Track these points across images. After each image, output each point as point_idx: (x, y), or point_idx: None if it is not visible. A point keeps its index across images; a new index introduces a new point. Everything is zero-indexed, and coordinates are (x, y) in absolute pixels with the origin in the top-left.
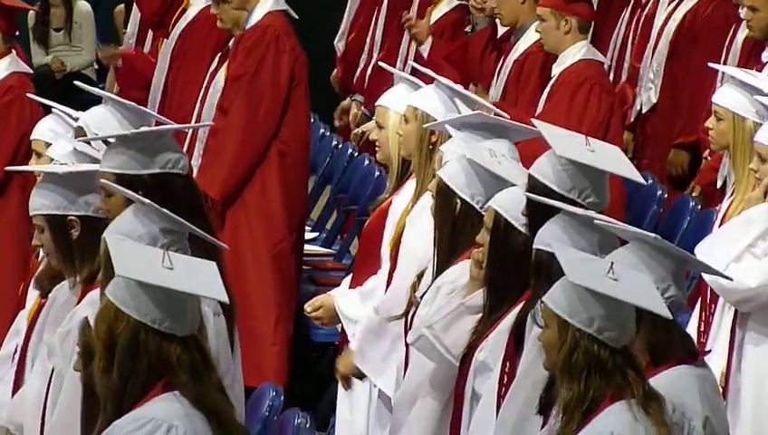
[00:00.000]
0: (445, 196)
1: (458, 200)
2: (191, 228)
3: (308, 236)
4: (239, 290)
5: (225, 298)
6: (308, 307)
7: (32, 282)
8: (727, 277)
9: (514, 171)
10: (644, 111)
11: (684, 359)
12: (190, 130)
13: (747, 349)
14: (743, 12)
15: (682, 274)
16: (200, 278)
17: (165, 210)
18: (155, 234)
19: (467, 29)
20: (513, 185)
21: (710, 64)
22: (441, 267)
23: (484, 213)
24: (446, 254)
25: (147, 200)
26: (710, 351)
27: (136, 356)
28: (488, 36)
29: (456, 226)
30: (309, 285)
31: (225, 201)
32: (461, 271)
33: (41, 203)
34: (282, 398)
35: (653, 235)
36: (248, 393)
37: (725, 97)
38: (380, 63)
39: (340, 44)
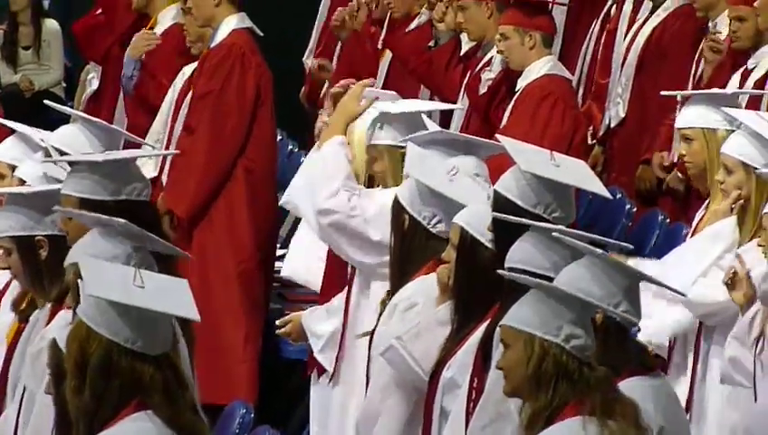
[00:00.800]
0: (396, 213)
1: (407, 217)
2: (162, 243)
3: (277, 253)
4: (207, 308)
5: (196, 316)
6: (278, 323)
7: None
8: (681, 293)
9: (465, 190)
10: (612, 126)
11: (637, 371)
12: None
13: (712, 362)
14: (723, 25)
15: (635, 289)
16: (171, 296)
17: (136, 227)
18: (129, 253)
19: (430, 43)
20: (462, 205)
21: (662, 93)
22: (396, 285)
23: (433, 230)
24: (399, 271)
25: (122, 220)
26: (666, 361)
27: (108, 376)
28: (452, 49)
29: (404, 242)
30: (279, 301)
31: (191, 219)
32: (415, 288)
33: (7, 225)
34: (252, 415)
35: (600, 251)
36: (218, 411)
37: (689, 117)
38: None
39: (308, 61)
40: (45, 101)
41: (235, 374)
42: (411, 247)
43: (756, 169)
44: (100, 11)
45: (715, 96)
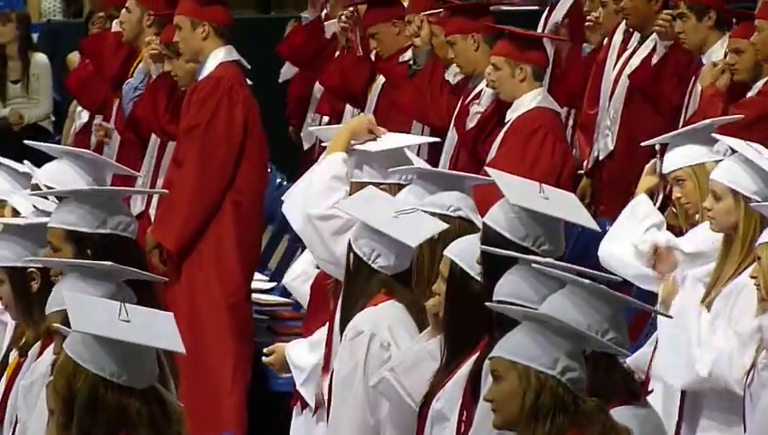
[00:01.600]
0: (347, 250)
1: (351, 254)
2: (140, 273)
3: (266, 285)
4: (196, 340)
5: (181, 349)
6: (265, 351)
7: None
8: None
9: (410, 227)
10: (601, 158)
11: (625, 399)
12: (148, 182)
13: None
14: (717, 58)
15: (621, 316)
16: (157, 329)
17: (119, 266)
18: (113, 292)
19: (409, 63)
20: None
21: (643, 144)
22: (346, 318)
23: (374, 266)
24: (349, 306)
25: (108, 263)
26: (652, 391)
27: (95, 411)
28: (434, 74)
29: (350, 278)
30: (267, 334)
31: (180, 252)
32: (362, 318)
33: (1, 255)
34: None
35: (587, 281)
36: None
37: (674, 159)
38: (311, 129)
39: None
40: (26, 141)
41: (223, 406)
42: (356, 282)
43: (746, 196)
44: (87, 61)
45: (694, 131)
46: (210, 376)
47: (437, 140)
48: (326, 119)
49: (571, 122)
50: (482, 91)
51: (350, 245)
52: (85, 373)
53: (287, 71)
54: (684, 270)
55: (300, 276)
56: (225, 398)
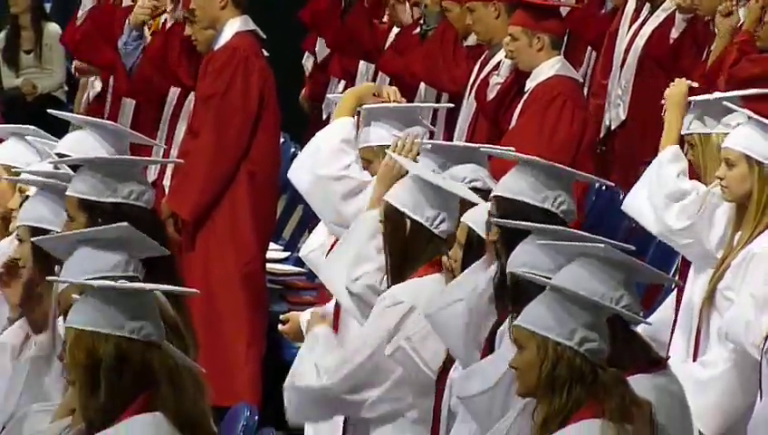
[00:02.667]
0: (393, 219)
1: (408, 221)
2: (151, 245)
3: (280, 255)
4: (210, 310)
5: (193, 291)
6: (282, 318)
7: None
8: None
9: (460, 187)
10: (613, 128)
11: (643, 367)
12: (161, 152)
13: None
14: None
15: (633, 282)
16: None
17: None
18: (126, 260)
19: (420, 22)
20: (465, 199)
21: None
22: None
23: (435, 231)
24: (398, 275)
25: (124, 223)
26: (668, 357)
27: (122, 369)
28: (447, 37)
29: (406, 247)
30: (281, 304)
31: (195, 222)
32: (404, 288)
33: (28, 215)
34: (256, 417)
35: (601, 245)
36: (222, 413)
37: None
38: (328, 96)
39: (307, 64)
40: (49, 111)
41: (238, 376)
42: (413, 251)
43: (760, 161)
44: (81, 21)
45: (706, 102)
46: (225, 346)
47: (451, 105)
48: (342, 84)
49: (585, 91)
50: (501, 61)
51: (396, 213)
52: (105, 338)
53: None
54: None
55: (316, 249)
56: (240, 368)
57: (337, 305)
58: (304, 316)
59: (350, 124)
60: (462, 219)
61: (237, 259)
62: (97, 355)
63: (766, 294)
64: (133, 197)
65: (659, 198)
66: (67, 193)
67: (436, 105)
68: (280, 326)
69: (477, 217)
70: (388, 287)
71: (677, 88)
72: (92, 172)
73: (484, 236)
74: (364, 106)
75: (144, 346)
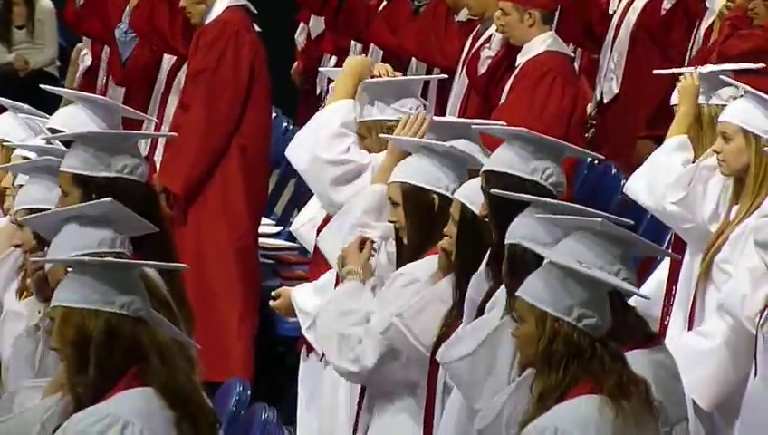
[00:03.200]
0: (415, 195)
1: (434, 196)
2: (139, 222)
3: (272, 230)
4: (203, 285)
5: (182, 266)
6: (273, 294)
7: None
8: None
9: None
10: (606, 101)
11: (640, 342)
12: (152, 127)
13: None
14: (717, 3)
15: (630, 256)
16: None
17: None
18: (112, 236)
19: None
20: (477, 162)
21: (655, 72)
22: (410, 260)
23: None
24: (417, 249)
25: (108, 199)
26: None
27: (112, 345)
28: (438, 12)
29: (430, 221)
30: (273, 278)
31: (187, 197)
32: (420, 265)
33: (25, 198)
34: (249, 392)
35: (598, 219)
36: (214, 388)
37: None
38: (321, 69)
39: (300, 38)
40: (42, 85)
41: (231, 351)
42: (436, 225)
43: (757, 135)
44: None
45: (700, 74)
46: (217, 321)
47: (446, 76)
48: (335, 59)
49: (577, 65)
50: (492, 35)
51: (419, 190)
52: (95, 314)
53: (316, 25)
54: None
55: (306, 224)
56: (233, 343)
57: (337, 278)
58: (295, 291)
59: (350, 106)
60: (455, 196)
61: (230, 234)
62: (87, 332)
63: (763, 268)
64: (127, 171)
65: (661, 185)
66: (60, 169)
67: (430, 77)
68: (271, 302)
69: (470, 193)
70: (400, 265)
71: (691, 79)
72: (85, 147)
73: (478, 212)
74: (365, 81)
75: (134, 321)
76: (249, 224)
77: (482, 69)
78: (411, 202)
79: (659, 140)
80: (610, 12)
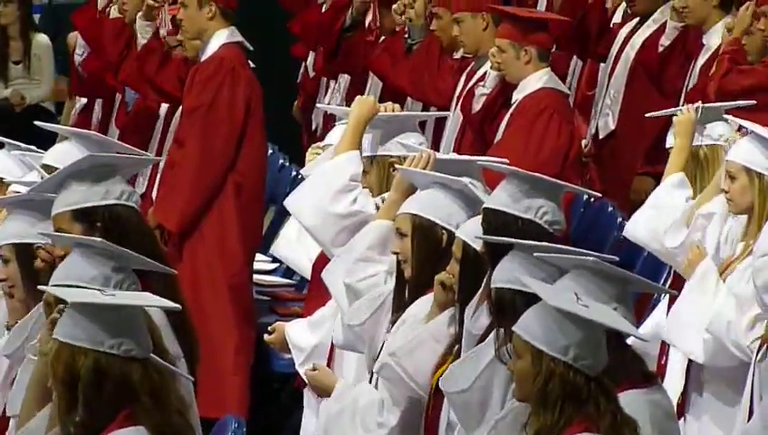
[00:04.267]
0: (422, 229)
1: (443, 231)
2: (144, 261)
3: (268, 266)
4: (198, 321)
5: (175, 306)
6: (270, 329)
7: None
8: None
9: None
10: (601, 137)
11: (637, 382)
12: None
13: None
14: (716, 37)
15: (627, 294)
16: (145, 297)
17: (115, 247)
18: (107, 274)
19: (405, 37)
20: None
21: (648, 115)
22: (412, 298)
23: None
24: (419, 286)
25: (98, 239)
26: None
27: (100, 385)
28: (432, 50)
29: (440, 258)
30: (269, 315)
31: (182, 233)
32: (425, 304)
33: (8, 233)
34: (244, 429)
35: (591, 258)
36: (210, 424)
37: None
38: (318, 105)
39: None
40: (36, 123)
41: (226, 387)
42: (442, 261)
43: (759, 172)
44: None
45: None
46: (213, 357)
47: (448, 114)
48: (330, 93)
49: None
50: (486, 72)
51: (428, 224)
52: (84, 353)
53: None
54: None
55: (280, 241)
56: (228, 379)
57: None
58: (289, 327)
59: (358, 159)
60: (456, 233)
61: (225, 271)
62: (75, 370)
63: (747, 294)
64: (125, 197)
65: (662, 227)
66: (57, 211)
67: (434, 114)
68: (266, 336)
69: (471, 231)
70: (400, 303)
71: (688, 115)
72: (79, 181)
73: (480, 250)
74: (378, 116)
75: (123, 361)
76: (244, 260)
77: (477, 106)
78: (420, 235)
79: (657, 177)
80: (612, 24)
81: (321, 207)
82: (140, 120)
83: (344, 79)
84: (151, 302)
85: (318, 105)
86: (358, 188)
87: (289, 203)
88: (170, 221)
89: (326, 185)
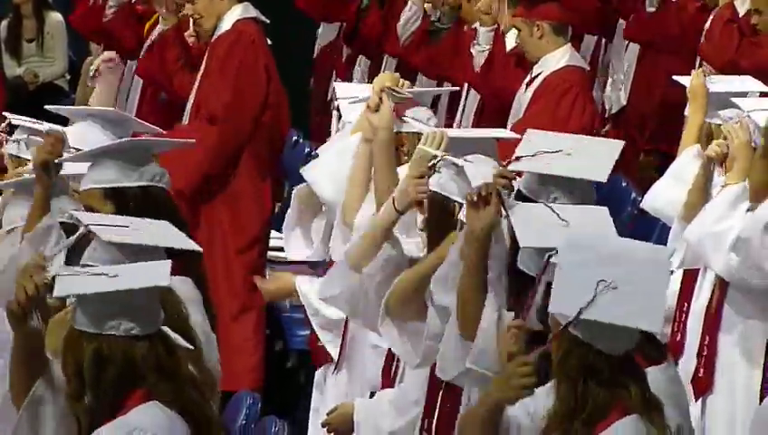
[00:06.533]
0: (441, 205)
1: (455, 205)
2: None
3: (282, 243)
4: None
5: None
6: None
7: None
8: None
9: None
10: (613, 112)
11: (653, 359)
12: None
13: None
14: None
15: None
16: (147, 271)
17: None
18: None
19: (433, 19)
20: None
21: (674, 77)
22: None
23: None
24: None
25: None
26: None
27: (102, 367)
28: (462, 39)
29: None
30: None
31: (195, 204)
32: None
33: (20, 214)
34: (259, 405)
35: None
36: (225, 399)
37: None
38: (336, 84)
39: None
40: (47, 106)
41: (241, 363)
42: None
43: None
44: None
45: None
46: (227, 333)
47: (457, 89)
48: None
49: None
50: (476, 30)
51: (442, 199)
52: (87, 337)
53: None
54: None
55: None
56: (243, 354)
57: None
58: (301, 282)
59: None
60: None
61: (239, 245)
62: (80, 356)
63: None
64: (157, 179)
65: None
66: (87, 187)
67: (442, 90)
68: (259, 282)
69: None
70: None
71: (698, 79)
72: (113, 159)
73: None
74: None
75: (125, 341)
76: (258, 235)
77: (479, 62)
78: (435, 211)
79: (663, 154)
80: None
81: (340, 179)
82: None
83: (363, 60)
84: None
85: (335, 83)
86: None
87: (307, 173)
88: (181, 183)
89: (343, 158)
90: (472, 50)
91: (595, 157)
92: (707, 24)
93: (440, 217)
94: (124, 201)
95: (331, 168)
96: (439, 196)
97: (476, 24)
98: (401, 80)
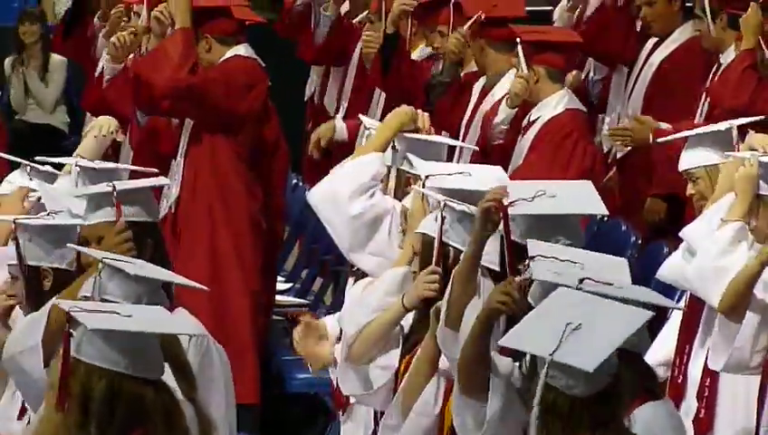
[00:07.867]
0: (431, 247)
1: (450, 250)
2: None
3: (282, 286)
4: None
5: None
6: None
7: None
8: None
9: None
10: (618, 157)
11: (651, 396)
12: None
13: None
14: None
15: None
16: (166, 318)
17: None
18: (140, 293)
19: (434, 72)
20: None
21: (659, 140)
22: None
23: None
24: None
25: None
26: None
27: (113, 405)
28: (455, 90)
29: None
30: (284, 335)
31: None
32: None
33: (31, 254)
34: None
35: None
36: None
37: (690, 159)
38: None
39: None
40: (40, 158)
41: (239, 375)
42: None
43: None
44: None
45: (713, 133)
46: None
47: (477, 148)
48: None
49: None
50: (494, 96)
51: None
52: (99, 372)
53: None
54: None
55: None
56: (242, 368)
57: None
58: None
59: (380, 160)
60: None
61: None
62: (89, 389)
63: None
64: (158, 214)
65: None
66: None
67: (462, 144)
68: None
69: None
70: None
71: (750, 169)
72: (138, 195)
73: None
74: (405, 135)
75: (137, 382)
76: (259, 281)
77: (497, 136)
78: (427, 253)
79: (668, 199)
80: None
81: (341, 205)
82: (153, 138)
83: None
84: (170, 328)
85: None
86: (377, 186)
87: (309, 197)
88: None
89: (347, 180)
90: (492, 119)
91: (580, 194)
92: (722, 67)
93: (430, 261)
94: (147, 236)
95: (332, 190)
96: (430, 238)
97: (499, 93)
98: (426, 119)
